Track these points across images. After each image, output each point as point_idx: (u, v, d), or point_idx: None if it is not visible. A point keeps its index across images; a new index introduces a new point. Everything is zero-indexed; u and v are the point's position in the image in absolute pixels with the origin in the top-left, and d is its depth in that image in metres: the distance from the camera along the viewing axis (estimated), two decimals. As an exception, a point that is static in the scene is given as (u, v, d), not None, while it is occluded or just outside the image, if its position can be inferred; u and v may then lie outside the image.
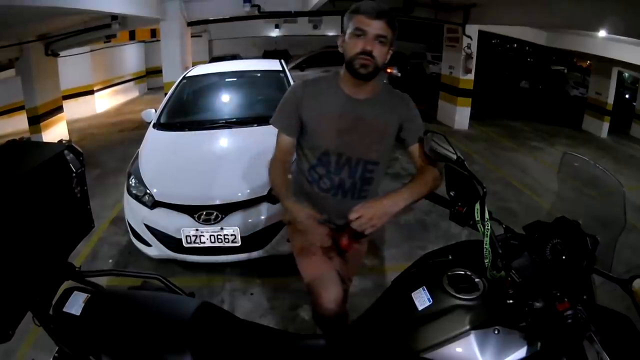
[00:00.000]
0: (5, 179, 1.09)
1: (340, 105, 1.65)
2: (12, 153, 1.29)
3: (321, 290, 1.61)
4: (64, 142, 1.40)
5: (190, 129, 3.82)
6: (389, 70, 11.77)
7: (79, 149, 1.43)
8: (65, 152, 1.36)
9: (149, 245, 3.16)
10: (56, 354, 1.37)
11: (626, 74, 12.80)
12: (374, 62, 1.53)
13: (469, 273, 1.19)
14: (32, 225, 1.19)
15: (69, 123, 8.55)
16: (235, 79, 4.65)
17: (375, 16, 1.49)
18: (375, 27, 1.50)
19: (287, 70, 4.56)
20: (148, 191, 3.10)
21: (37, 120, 7.55)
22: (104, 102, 11.46)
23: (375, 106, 1.67)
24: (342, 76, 1.66)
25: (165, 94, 4.74)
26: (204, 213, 2.95)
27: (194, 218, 2.96)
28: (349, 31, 1.54)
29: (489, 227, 1.21)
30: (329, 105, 1.66)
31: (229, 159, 3.39)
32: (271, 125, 1.76)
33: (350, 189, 1.72)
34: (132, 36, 11.29)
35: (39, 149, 1.41)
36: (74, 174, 1.38)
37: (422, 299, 1.16)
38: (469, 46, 8.58)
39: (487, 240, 1.19)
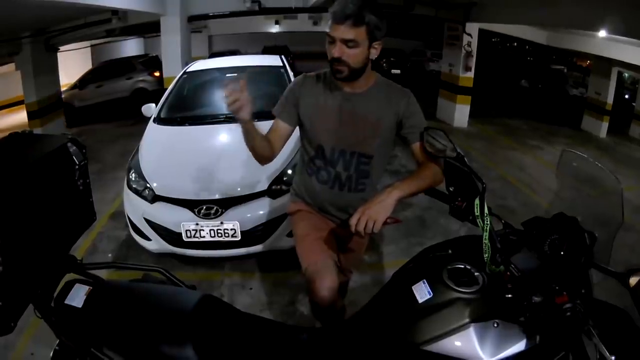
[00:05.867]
0: (8, 170, 1.09)
1: (333, 100, 1.69)
2: (15, 145, 1.29)
3: (316, 277, 1.62)
4: (67, 135, 1.41)
5: (191, 124, 3.82)
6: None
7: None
8: (69, 144, 1.36)
9: (148, 239, 3.17)
10: (57, 347, 1.38)
11: (626, 74, 12.83)
12: (347, 66, 1.55)
13: (468, 267, 1.20)
14: (35, 217, 1.19)
15: (68, 117, 8.54)
16: (235, 75, 4.63)
17: (340, 20, 1.49)
18: (341, 32, 1.50)
19: (287, 66, 4.56)
20: (148, 185, 3.10)
21: (36, 114, 7.54)
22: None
23: (370, 100, 1.68)
24: None
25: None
26: (204, 207, 2.96)
27: (194, 212, 2.97)
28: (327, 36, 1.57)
29: (489, 222, 1.22)
30: (324, 99, 1.70)
31: (229, 154, 3.38)
32: (272, 122, 1.79)
33: (347, 181, 1.75)
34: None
35: (42, 141, 1.40)
36: (76, 167, 1.38)
37: (422, 292, 1.17)
38: (469, 44, 8.58)
39: (486, 235, 1.20)
